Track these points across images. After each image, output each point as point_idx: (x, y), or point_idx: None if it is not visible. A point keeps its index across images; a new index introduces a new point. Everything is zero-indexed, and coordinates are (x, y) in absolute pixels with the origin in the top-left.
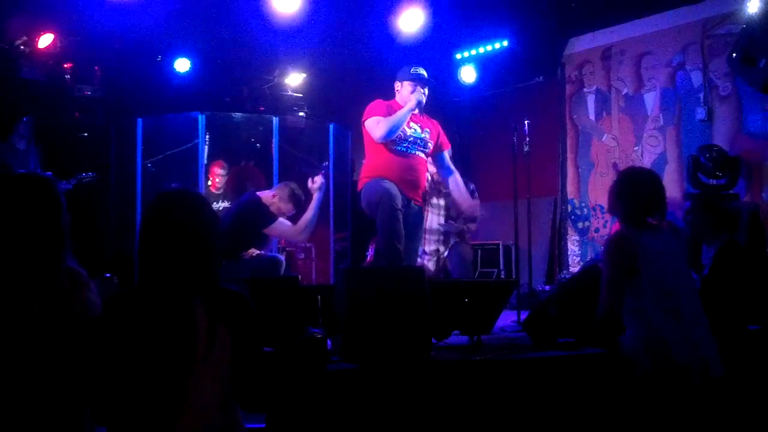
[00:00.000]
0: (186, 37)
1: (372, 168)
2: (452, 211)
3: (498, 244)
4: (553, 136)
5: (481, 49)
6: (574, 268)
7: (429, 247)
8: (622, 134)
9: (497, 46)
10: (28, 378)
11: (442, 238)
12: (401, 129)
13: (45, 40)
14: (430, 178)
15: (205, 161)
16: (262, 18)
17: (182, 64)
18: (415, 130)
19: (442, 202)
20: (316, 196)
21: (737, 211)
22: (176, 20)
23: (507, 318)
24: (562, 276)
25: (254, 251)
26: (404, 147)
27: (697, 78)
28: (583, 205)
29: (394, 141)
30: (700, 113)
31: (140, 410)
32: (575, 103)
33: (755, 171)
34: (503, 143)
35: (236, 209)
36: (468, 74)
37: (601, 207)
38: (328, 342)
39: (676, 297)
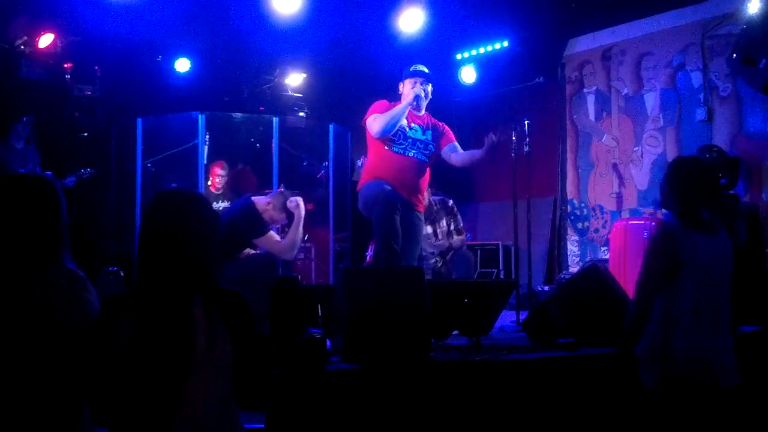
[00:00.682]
0: (186, 37)
1: (371, 170)
2: (440, 238)
3: (497, 245)
4: (553, 137)
5: (482, 50)
6: (574, 269)
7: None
8: (622, 135)
9: (497, 46)
10: (25, 380)
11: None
12: (401, 127)
13: (45, 40)
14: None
15: (205, 161)
16: (262, 18)
17: (182, 64)
18: (416, 131)
19: (429, 229)
20: (296, 215)
21: (749, 211)
22: (176, 20)
23: (506, 318)
24: (562, 276)
25: (249, 250)
26: (403, 149)
27: (697, 78)
28: (583, 205)
29: (393, 141)
30: (700, 114)
31: (139, 411)
32: (575, 104)
33: (755, 171)
34: (503, 143)
35: (231, 214)
36: (468, 74)
37: (601, 207)
38: (328, 342)
39: (708, 306)
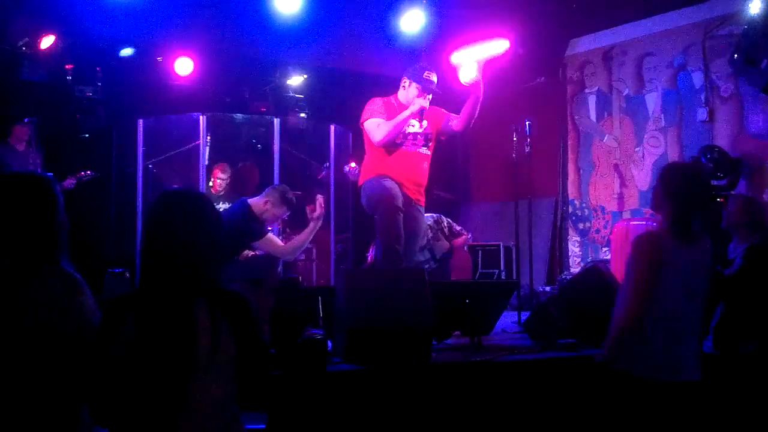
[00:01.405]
0: (187, 37)
1: (373, 165)
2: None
3: (499, 245)
4: (554, 137)
5: (482, 50)
6: (575, 269)
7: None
8: (624, 135)
9: (498, 46)
10: (20, 384)
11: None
12: None
13: (46, 42)
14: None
15: (206, 162)
16: (263, 19)
17: (183, 65)
18: (414, 126)
19: (427, 254)
20: (312, 225)
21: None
22: (177, 21)
23: (507, 319)
24: (563, 277)
25: (248, 252)
26: (404, 144)
27: (698, 79)
28: (584, 205)
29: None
30: (702, 114)
31: (141, 411)
32: (576, 104)
33: (756, 172)
34: (504, 144)
35: (226, 217)
36: (469, 75)
37: (602, 208)
38: (329, 343)
39: (680, 315)
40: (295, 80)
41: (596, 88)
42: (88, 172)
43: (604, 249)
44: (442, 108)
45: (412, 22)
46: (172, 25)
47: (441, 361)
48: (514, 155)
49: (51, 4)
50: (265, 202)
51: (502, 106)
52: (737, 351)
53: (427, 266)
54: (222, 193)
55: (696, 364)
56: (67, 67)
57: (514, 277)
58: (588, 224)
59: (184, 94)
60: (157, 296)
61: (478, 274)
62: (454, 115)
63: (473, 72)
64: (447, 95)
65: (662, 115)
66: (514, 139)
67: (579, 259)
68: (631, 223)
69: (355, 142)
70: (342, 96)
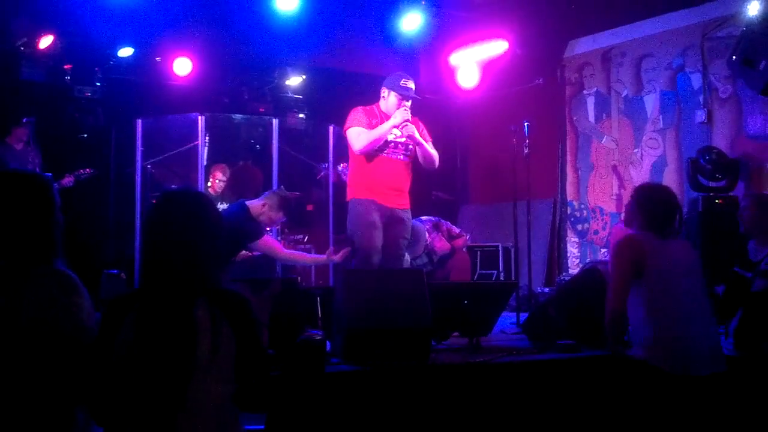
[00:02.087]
0: (186, 38)
1: (357, 180)
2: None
3: (497, 246)
4: (553, 138)
5: (481, 51)
6: (574, 270)
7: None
8: (622, 136)
9: (497, 47)
10: (14, 384)
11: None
12: None
13: (45, 42)
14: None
15: (205, 162)
16: (262, 20)
17: (182, 66)
18: (395, 134)
19: (426, 258)
20: (323, 259)
21: None
22: (176, 21)
23: (506, 320)
24: (562, 278)
25: (246, 253)
26: (386, 152)
27: (696, 80)
28: (583, 207)
29: (376, 147)
30: (700, 115)
31: (141, 411)
32: (575, 105)
33: (755, 173)
34: (503, 145)
35: (225, 218)
36: (467, 76)
37: (601, 209)
38: (328, 343)
39: (678, 299)
40: (294, 81)
41: (595, 90)
42: (87, 170)
43: (603, 250)
44: (425, 129)
45: (410, 23)
46: (171, 25)
47: (440, 362)
48: (512, 156)
49: (50, 4)
50: (263, 205)
51: (501, 107)
52: (761, 350)
53: (424, 270)
54: (220, 193)
55: (714, 356)
56: (65, 67)
57: (513, 278)
58: (586, 225)
59: (183, 95)
60: (157, 296)
61: (476, 275)
62: (425, 145)
63: (409, 127)
64: (425, 100)
65: (661, 116)
66: (513, 140)
67: (577, 260)
68: None
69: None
70: (341, 97)
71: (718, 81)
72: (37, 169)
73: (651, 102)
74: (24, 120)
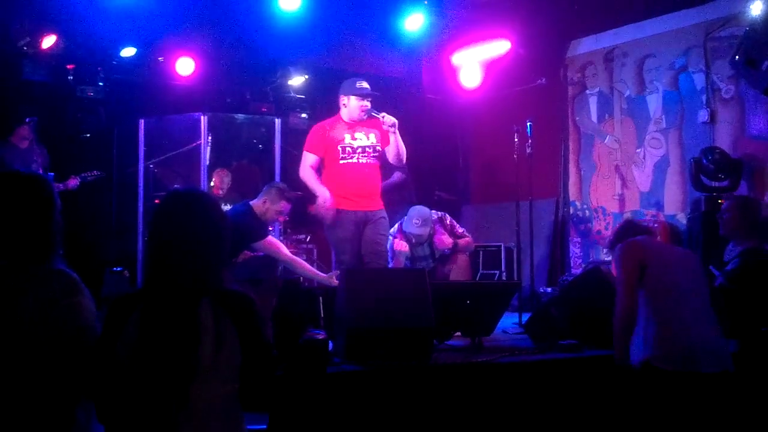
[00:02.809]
0: (188, 38)
1: (327, 187)
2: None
3: (500, 246)
4: (555, 138)
5: (483, 51)
6: (576, 270)
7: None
8: (625, 136)
9: (499, 47)
10: (15, 385)
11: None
12: (346, 143)
13: (48, 41)
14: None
15: (207, 162)
16: (264, 19)
17: (184, 65)
18: (361, 139)
19: (427, 250)
20: (324, 279)
21: None
22: (179, 21)
23: (508, 320)
24: (564, 278)
25: (248, 253)
26: (354, 159)
27: (699, 80)
28: (585, 207)
29: (342, 156)
30: (703, 115)
31: (144, 411)
32: (578, 105)
33: (757, 173)
34: (505, 145)
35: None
36: (470, 76)
37: (603, 209)
38: (330, 343)
39: (681, 300)
40: (297, 81)
41: (597, 89)
42: (94, 172)
43: (605, 250)
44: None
45: (413, 23)
46: (174, 25)
47: (442, 361)
48: (515, 156)
49: (52, 4)
50: (264, 201)
51: (504, 107)
52: None
53: (425, 263)
54: (223, 196)
55: (720, 355)
56: (68, 67)
57: (515, 278)
58: (589, 225)
59: (185, 95)
60: (161, 296)
61: (479, 275)
62: (397, 137)
63: (386, 117)
64: (428, 100)
65: (663, 116)
66: (515, 140)
67: (580, 260)
68: None
69: None
70: None
71: (721, 81)
72: (42, 169)
73: (654, 102)
74: (26, 120)
